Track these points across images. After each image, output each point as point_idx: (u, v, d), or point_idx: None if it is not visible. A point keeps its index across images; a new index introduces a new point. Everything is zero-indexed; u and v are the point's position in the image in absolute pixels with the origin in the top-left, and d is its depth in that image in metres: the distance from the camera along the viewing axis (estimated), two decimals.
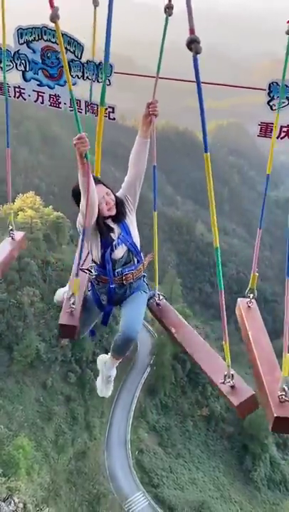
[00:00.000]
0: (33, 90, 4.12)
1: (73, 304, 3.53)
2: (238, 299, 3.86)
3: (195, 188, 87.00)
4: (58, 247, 39.29)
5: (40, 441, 28.32)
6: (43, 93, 4.11)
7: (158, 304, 3.82)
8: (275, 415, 2.56)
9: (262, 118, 3.34)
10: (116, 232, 3.26)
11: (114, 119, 3.71)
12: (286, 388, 2.66)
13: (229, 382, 2.82)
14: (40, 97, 4.15)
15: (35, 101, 4.18)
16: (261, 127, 3.29)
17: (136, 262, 3.36)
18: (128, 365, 36.54)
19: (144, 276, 3.51)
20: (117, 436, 33.00)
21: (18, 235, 4.94)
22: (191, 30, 1.90)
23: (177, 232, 65.70)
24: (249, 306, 3.80)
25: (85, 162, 2.82)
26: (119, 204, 3.26)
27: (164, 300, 3.85)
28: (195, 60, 1.96)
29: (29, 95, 4.15)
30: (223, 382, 2.86)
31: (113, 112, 3.69)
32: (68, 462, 29.17)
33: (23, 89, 4.17)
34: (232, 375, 2.85)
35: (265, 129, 3.27)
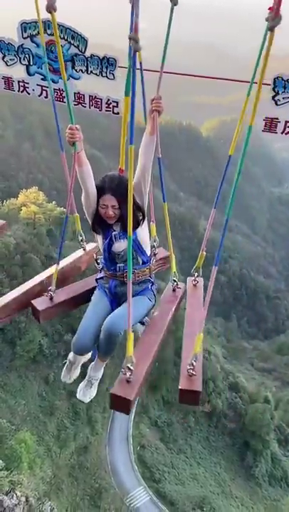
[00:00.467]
0: (37, 85, 4.11)
1: (51, 290, 3.58)
2: (187, 278, 3.94)
3: (198, 184, 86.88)
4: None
5: (42, 436, 28.47)
6: (47, 87, 4.11)
7: (174, 290, 3.82)
8: (180, 387, 2.81)
9: (265, 113, 3.32)
10: (119, 226, 3.22)
11: (118, 113, 3.71)
12: (194, 363, 2.83)
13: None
14: (44, 92, 4.15)
15: (39, 95, 4.18)
16: (266, 122, 3.27)
17: (140, 263, 3.29)
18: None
19: (152, 283, 3.44)
20: (118, 431, 33.15)
21: (90, 246, 4.41)
22: (135, 28, 1.93)
23: (180, 228, 65.60)
24: (194, 285, 3.87)
25: (74, 151, 2.98)
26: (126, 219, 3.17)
27: (180, 290, 3.86)
28: (134, 57, 1.99)
29: (33, 90, 4.15)
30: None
31: (117, 107, 3.69)
32: (70, 456, 29.34)
33: (27, 83, 4.17)
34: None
35: (270, 124, 3.26)
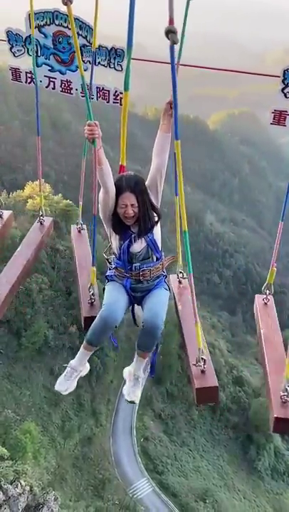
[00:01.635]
0: (45, 76, 4.09)
1: (93, 294, 3.55)
2: (256, 296, 3.72)
3: (205, 177, 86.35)
4: (66, 235, 39.36)
5: (46, 427, 28.67)
6: (55, 79, 4.08)
7: (180, 282, 3.81)
8: (275, 415, 2.63)
9: (274, 106, 3.28)
10: (137, 227, 3.21)
11: None
12: (288, 389, 2.70)
13: (200, 366, 2.85)
14: (51, 83, 4.12)
15: (47, 87, 4.15)
16: (274, 115, 3.22)
17: (155, 260, 3.30)
18: (134, 354, 36.63)
19: (165, 276, 3.45)
20: (122, 423, 33.29)
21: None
22: (171, 21, 1.90)
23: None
24: (265, 303, 3.66)
25: (94, 149, 2.89)
26: (145, 219, 3.16)
27: (185, 280, 3.84)
28: (172, 49, 1.96)
29: (40, 81, 4.12)
30: (195, 364, 2.93)
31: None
32: (74, 447, 29.54)
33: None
34: (204, 360, 2.88)
35: (279, 117, 3.21)
